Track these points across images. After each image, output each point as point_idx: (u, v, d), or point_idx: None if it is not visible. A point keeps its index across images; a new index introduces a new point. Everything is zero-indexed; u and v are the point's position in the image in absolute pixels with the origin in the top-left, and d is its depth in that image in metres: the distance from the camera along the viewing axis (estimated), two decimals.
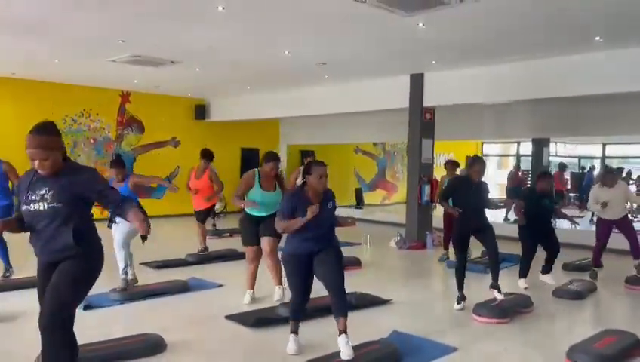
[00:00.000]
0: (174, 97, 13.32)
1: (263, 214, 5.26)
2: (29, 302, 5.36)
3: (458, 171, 8.17)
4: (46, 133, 2.93)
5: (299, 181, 6.32)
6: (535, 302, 5.61)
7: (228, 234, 10.43)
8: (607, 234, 7.02)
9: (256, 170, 5.32)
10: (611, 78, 7.41)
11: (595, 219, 11.61)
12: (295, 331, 4.21)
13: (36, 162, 2.91)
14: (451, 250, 8.09)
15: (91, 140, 12.17)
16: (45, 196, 2.90)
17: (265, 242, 5.32)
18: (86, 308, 5.07)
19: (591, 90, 7.67)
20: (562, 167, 15.44)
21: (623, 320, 5.62)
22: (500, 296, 5.30)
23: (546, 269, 6.42)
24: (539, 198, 6.16)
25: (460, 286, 5.57)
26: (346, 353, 3.83)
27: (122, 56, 8.46)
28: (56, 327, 2.88)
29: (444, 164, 8.52)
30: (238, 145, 14.54)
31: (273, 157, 5.31)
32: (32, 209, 2.91)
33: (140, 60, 8.68)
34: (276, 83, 11.15)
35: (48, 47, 7.99)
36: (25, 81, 11.00)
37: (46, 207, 2.89)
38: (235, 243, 9.25)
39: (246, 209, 5.38)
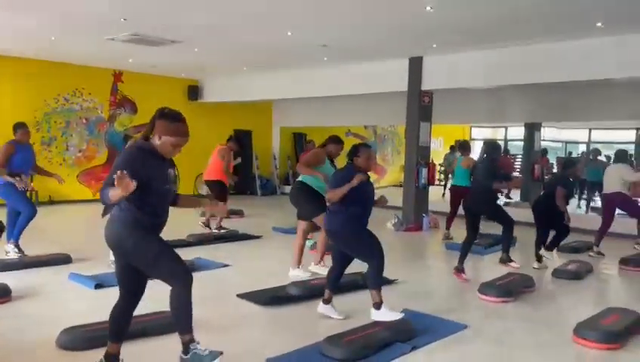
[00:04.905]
0: (167, 78, 13.19)
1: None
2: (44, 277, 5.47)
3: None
4: None
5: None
6: (536, 282, 5.78)
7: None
8: None
9: (322, 150, 5.84)
10: (610, 64, 7.52)
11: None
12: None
13: (177, 149, 3.08)
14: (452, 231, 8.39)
15: (84, 120, 12.02)
16: (173, 179, 3.24)
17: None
18: (97, 286, 5.10)
19: (589, 75, 7.80)
20: (544, 152, 15.65)
21: (621, 298, 5.80)
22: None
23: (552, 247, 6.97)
24: (572, 184, 7.04)
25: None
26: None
27: (122, 35, 8.34)
28: None
29: (458, 147, 9.12)
30: (231, 127, 14.45)
31: (340, 139, 5.91)
32: (170, 190, 3.21)
33: (139, 39, 8.55)
34: (274, 64, 11.09)
35: (46, 23, 7.83)
36: (17, 58, 10.79)
37: (174, 189, 3.27)
38: (234, 224, 9.31)
39: (311, 184, 5.77)
